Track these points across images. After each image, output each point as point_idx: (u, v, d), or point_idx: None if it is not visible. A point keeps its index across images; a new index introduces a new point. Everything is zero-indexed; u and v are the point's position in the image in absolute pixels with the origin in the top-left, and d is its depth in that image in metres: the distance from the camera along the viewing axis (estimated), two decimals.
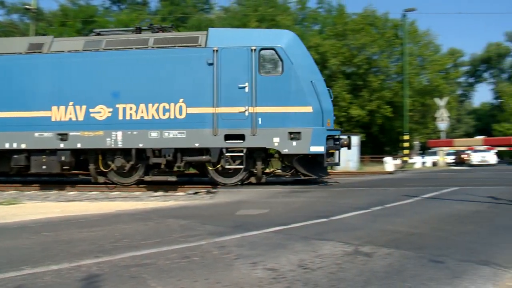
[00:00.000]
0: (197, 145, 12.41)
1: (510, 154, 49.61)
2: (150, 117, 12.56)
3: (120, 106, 12.65)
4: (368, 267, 4.17)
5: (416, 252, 4.66)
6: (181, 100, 12.49)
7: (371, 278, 3.83)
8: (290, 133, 12.23)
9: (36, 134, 12.76)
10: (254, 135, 12.26)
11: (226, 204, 9.33)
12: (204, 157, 12.60)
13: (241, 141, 12.32)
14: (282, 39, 13.00)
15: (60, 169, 13.07)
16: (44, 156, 12.92)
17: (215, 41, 12.76)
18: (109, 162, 13.02)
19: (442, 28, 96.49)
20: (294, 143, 12.20)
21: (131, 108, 12.63)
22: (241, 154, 12.33)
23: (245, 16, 36.99)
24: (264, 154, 12.88)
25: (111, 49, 12.98)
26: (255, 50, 12.46)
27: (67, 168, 13.14)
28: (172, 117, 12.50)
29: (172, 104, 12.51)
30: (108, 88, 12.77)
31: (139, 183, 13.33)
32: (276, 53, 12.50)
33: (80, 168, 13.86)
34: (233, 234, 5.71)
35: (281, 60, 12.46)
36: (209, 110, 12.40)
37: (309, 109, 12.31)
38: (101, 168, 13.06)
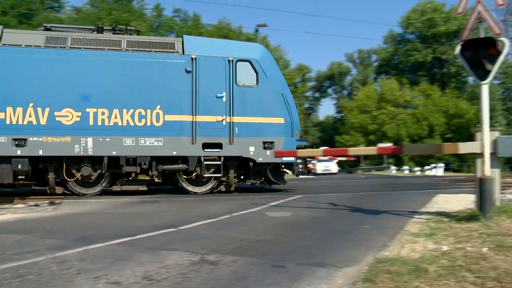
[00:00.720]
0: (175, 153, 12.28)
1: (349, 164, 54.24)
2: (125, 124, 11.99)
3: (90, 111, 11.79)
4: (213, 275, 4.22)
5: (259, 259, 4.83)
6: (158, 106, 12.18)
7: (215, 286, 3.88)
8: (264, 142, 12.81)
9: None
10: (231, 144, 12.59)
11: (71, 215, 8.79)
12: (181, 165, 12.47)
13: (219, 150, 12.54)
14: (256, 52, 13.49)
15: (12, 179, 11.47)
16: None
17: (192, 49, 12.71)
18: (74, 171, 12.01)
19: (291, 45, 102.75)
20: (268, 152, 12.74)
21: (103, 113, 11.87)
22: (219, 162, 12.58)
23: (98, 19, 35.49)
24: (236, 163, 13.09)
25: (80, 48, 12.02)
26: (232, 61, 12.83)
27: (22, 178, 11.64)
28: (148, 124, 12.11)
29: (149, 111, 12.12)
30: (76, 91, 11.75)
31: (103, 193, 12.56)
32: (252, 65, 12.96)
33: (33, 178, 12.21)
34: (75, 247, 5.38)
35: (256, 72, 12.96)
36: (187, 118, 12.35)
37: (281, 120, 13.02)
38: (65, 177, 11.99)
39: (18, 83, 11.48)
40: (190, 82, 12.41)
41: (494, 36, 6.87)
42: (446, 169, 36.93)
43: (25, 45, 11.74)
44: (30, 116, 11.42)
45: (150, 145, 12.05)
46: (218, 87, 12.63)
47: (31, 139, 11.36)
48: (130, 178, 12.48)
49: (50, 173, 11.86)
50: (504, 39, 6.77)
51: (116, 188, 12.50)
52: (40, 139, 11.40)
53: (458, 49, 7.12)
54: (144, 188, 12.66)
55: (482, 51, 6.80)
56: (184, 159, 12.46)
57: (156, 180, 12.94)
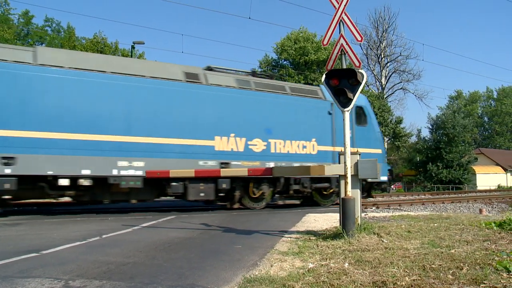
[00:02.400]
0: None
1: None
2: (294, 152, 15.41)
3: (272, 141, 14.97)
4: None
5: (128, 282, 4.67)
6: (313, 139, 15.88)
7: None
8: None
9: (201, 162, 13.35)
10: None
11: None
12: (326, 184, 15.92)
13: None
14: (364, 100, 18.12)
15: (215, 197, 13.90)
16: (202, 184, 13.36)
17: (330, 96, 14.33)
18: (254, 189, 14.78)
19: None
20: None
21: (280, 143, 15.13)
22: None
23: None
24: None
25: (262, 90, 15.10)
26: (353, 106, 14.81)
27: (222, 195, 14.34)
28: (308, 152, 15.67)
29: (308, 142, 15.74)
30: (261, 124, 14.78)
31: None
32: (363, 110, 17.19)
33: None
34: None
35: (365, 115, 17.25)
36: (330, 148, 16.21)
37: (379, 151, 17.45)
38: (251, 194, 14.82)
39: (222, 116, 14.06)
40: (331, 121, 16.26)
41: (355, 68, 7.47)
42: None
43: (225, 85, 14.44)
44: (231, 144, 14.11)
45: None
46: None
47: (233, 163, 13.92)
48: (289, 194, 15.66)
49: (237, 191, 14.46)
50: (362, 71, 7.41)
51: (280, 202, 16.50)
52: (239, 163, 14.02)
53: (324, 77, 7.63)
54: (298, 202, 16.88)
55: (344, 80, 7.36)
56: (327, 180, 15.80)
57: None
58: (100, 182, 12.28)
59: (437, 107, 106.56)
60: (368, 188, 17.85)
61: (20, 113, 11.31)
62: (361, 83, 7.32)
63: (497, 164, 60.74)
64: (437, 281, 4.48)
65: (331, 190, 16.42)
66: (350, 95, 7.34)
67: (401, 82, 55.35)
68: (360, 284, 4.42)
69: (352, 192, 7.42)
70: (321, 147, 16.04)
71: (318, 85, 17.08)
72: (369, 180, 16.47)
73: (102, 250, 6.77)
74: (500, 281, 4.45)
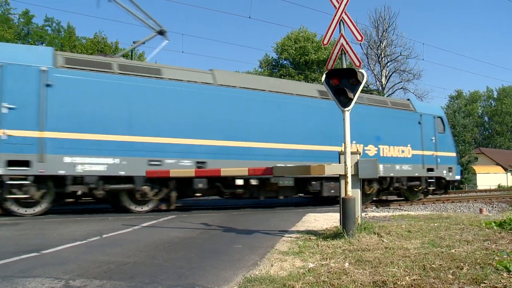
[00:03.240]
0: (416, 174, 18.85)
1: None
2: (396, 155, 18.30)
3: (381, 147, 17.89)
4: None
5: (128, 282, 4.67)
6: (408, 145, 18.88)
7: None
8: (448, 167, 20.12)
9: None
10: (437, 169, 19.60)
11: None
12: (417, 182, 19.05)
13: (433, 173, 19.36)
14: (441, 111, 21.51)
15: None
16: (332, 183, 15.68)
17: (418, 108, 19.80)
18: (366, 187, 17.14)
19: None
20: (450, 173, 20.14)
21: (386, 148, 18.04)
22: (433, 180, 19.52)
23: None
24: (434, 180, 19.70)
25: (371, 104, 18.06)
26: (434, 117, 20.06)
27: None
28: (405, 156, 18.60)
29: (405, 147, 18.72)
30: (372, 133, 17.59)
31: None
32: (441, 120, 20.44)
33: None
34: None
35: (443, 124, 20.45)
36: (420, 152, 19.18)
37: (453, 154, 20.81)
38: (365, 191, 17.00)
39: (363, 129, 16.79)
40: (420, 130, 19.31)
41: (355, 67, 7.47)
42: None
43: (368, 104, 17.89)
44: (353, 150, 15.26)
45: (406, 169, 18.39)
46: (430, 133, 19.66)
47: None
48: (389, 191, 18.79)
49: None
50: (362, 70, 7.40)
51: (383, 197, 20.05)
52: None
53: (324, 77, 7.62)
54: (395, 197, 20.34)
55: (344, 80, 7.35)
56: (417, 179, 18.98)
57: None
58: (263, 181, 14.76)
59: None
60: (445, 186, 20.72)
61: (207, 125, 13.85)
62: (361, 83, 7.32)
63: (497, 164, 60.74)
64: (438, 280, 4.48)
65: (420, 188, 19.37)
66: (350, 94, 7.33)
67: (401, 81, 55.12)
68: (361, 283, 4.42)
69: (352, 191, 7.42)
70: (414, 151, 19.06)
71: (408, 99, 21.27)
72: (447, 178, 20.13)
73: (102, 249, 6.77)
74: (500, 280, 4.45)
